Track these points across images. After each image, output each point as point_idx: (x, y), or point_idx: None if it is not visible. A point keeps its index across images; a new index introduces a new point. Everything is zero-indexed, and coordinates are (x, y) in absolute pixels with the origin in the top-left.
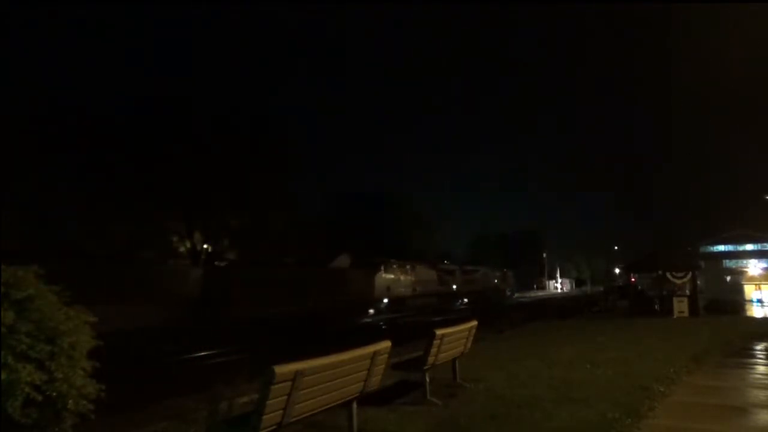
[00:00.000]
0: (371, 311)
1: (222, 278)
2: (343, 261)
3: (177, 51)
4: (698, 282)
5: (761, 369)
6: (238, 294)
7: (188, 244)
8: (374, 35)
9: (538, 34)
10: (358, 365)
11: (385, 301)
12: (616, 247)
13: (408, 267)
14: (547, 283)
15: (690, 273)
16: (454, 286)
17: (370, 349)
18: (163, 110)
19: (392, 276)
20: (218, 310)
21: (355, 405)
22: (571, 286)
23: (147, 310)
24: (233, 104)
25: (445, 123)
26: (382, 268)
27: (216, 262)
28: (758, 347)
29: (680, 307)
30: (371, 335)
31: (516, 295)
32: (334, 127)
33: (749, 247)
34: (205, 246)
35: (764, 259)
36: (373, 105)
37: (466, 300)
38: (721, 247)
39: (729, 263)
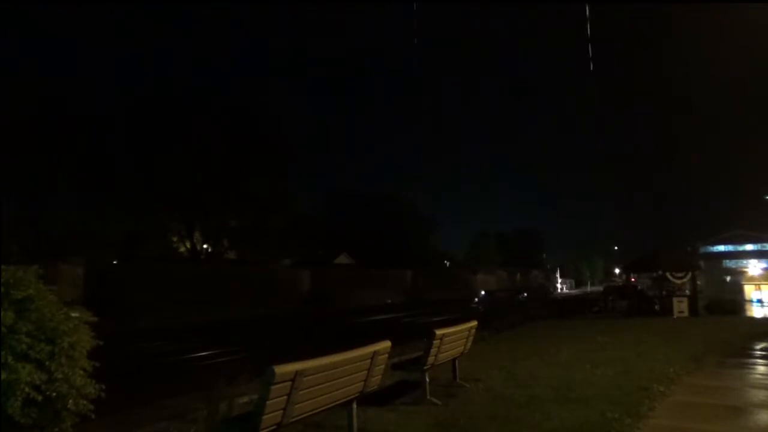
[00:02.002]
0: (476, 299)
1: (420, 278)
2: (342, 260)
3: (178, 51)
4: (698, 282)
5: (761, 369)
6: (425, 287)
7: (188, 244)
8: (374, 35)
9: (538, 35)
10: (358, 365)
11: (482, 293)
12: (616, 247)
13: (491, 268)
14: None
15: (690, 273)
16: (517, 284)
17: (369, 349)
18: (163, 110)
19: (484, 276)
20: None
21: (355, 405)
22: (571, 286)
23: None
24: (233, 104)
25: (446, 123)
26: (480, 270)
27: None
28: (758, 347)
29: (680, 307)
30: (371, 335)
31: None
32: (334, 127)
33: (749, 247)
34: (205, 246)
35: (764, 259)
36: (373, 105)
37: (525, 294)
38: (721, 247)
39: (729, 263)
